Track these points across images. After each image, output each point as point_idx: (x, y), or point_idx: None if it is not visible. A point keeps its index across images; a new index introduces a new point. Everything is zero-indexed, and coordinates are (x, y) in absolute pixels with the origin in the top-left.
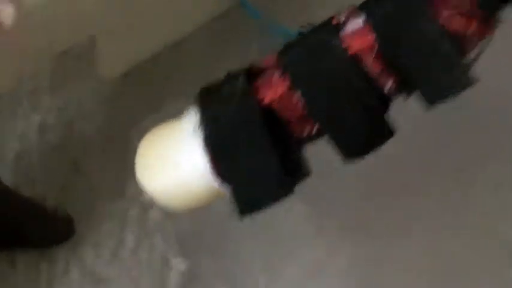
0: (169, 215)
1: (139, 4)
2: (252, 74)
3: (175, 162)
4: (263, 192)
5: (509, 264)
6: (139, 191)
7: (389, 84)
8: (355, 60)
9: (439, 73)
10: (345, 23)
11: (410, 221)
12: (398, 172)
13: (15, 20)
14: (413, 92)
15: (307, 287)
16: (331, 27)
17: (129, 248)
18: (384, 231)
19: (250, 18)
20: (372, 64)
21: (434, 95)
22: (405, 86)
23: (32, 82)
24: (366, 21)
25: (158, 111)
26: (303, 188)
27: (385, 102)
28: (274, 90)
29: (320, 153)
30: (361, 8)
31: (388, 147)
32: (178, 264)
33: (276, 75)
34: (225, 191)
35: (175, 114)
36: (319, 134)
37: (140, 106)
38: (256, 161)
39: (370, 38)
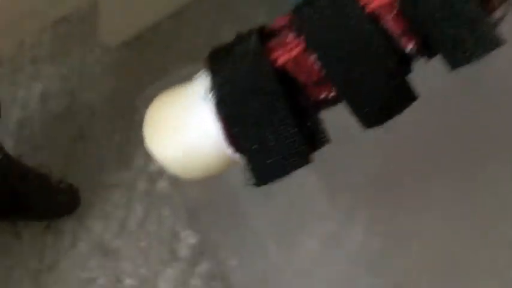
0: (177, 186)
1: None
2: (264, 35)
3: (186, 128)
4: (279, 160)
5: (510, 264)
6: (146, 162)
7: (410, 45)
8: (374, 18)
9: (463, 33)
10: None
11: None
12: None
13: None
14: (435, 54)
15: (321, 260)
16: None
17: (137, 219)
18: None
19: None
20: (392, 23)
21: (458, 58)
22: (427, 48)
23: (32, 48)
24: None
25: (163, 78)
26: (316, 156)
27: (406, 63)
28: (288, 51)
29: (335, 119)
30: None
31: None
32: (188, 237)
33: (291, 36)
34: (238, 159)
35: (181, 81)
36: (337, 99)
37: (144, 74)
38: (272, 127)
39: None
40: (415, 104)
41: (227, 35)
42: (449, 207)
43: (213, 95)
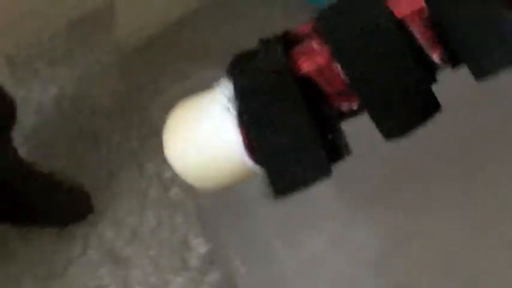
0: (190, 194)
1: None
2: (287, 41)
3: (206, 138)
4: (300, 172)
5: (510, 264)
6: (159, 169)
7: (437, 54)
8: (403, 25)
9: (492, 43)
10: None
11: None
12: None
13: None
14: (459, 63)
15: (325, 260)
16: None
17: (149, 227)
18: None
19: None
20: (420, 31)
21: (484, 68)
22: (453, 57)
23: (49, 50)
24: None
25: (177, 84)
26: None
27: (431, 72)
28: (312, 60)
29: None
30: None
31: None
32: (199, 246)
33: (315, 44)
34: (258, 170)
35: (199, 86)
36: (360, 109)
37: (160, 78)
38: (294, 139)
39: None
40: None
41: (228, 37)
42: (449, 207)
43: (235, 105)
